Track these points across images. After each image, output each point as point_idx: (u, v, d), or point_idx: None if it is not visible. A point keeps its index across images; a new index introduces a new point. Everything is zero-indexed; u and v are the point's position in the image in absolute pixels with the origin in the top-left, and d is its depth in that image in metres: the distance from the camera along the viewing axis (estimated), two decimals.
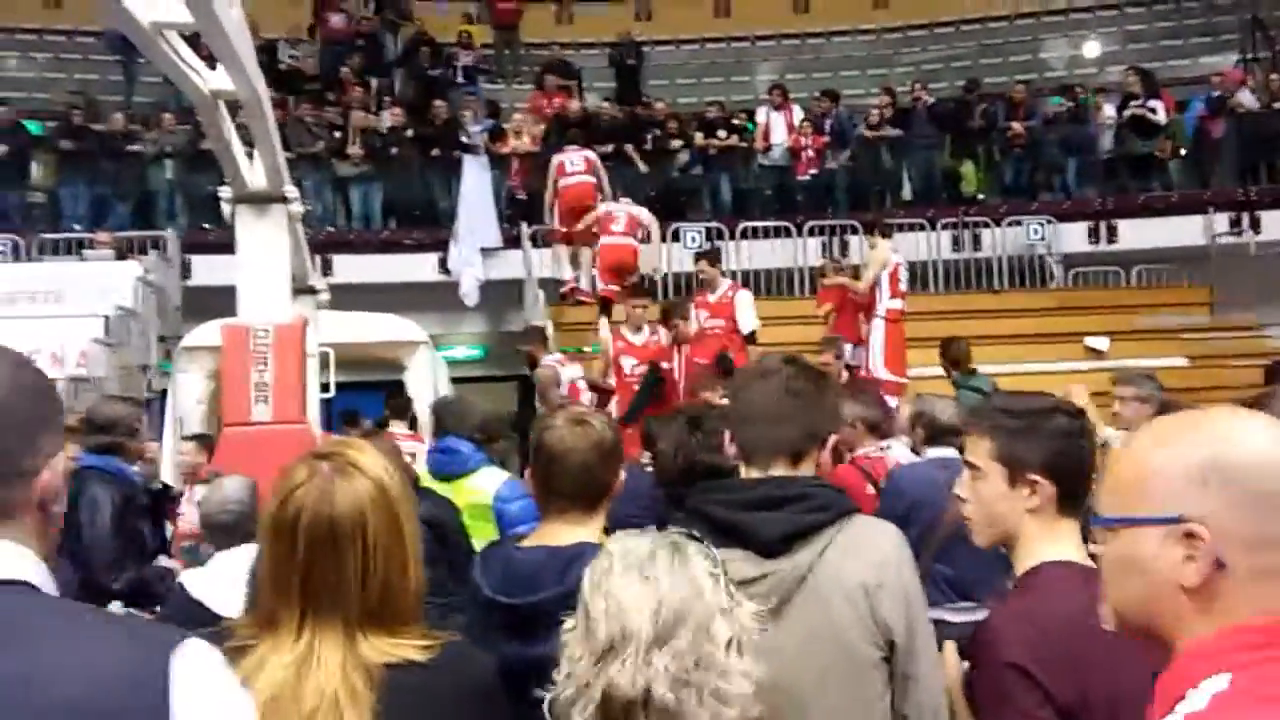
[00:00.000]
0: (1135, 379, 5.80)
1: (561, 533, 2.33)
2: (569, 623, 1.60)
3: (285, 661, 1.63)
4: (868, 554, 2.11)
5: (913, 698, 2.11)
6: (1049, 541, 2.05)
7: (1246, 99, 13.67)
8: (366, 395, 10.91)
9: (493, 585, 2.31)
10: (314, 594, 1.66)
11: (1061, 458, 2.08)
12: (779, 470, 2.21)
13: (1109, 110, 14.04)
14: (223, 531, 3.55)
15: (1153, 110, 13.58)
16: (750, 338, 8.81)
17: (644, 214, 10.95)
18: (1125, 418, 5.61)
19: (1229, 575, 1.18)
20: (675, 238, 12.85)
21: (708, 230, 13.22)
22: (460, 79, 15.76)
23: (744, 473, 2.28)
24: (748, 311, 8.95)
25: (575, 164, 12.31)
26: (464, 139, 13.42)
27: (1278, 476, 1.18)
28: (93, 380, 8.76)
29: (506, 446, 5.25)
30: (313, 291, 7.47)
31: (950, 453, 4.71)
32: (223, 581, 3.21)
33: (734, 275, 12.91)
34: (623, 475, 2.47)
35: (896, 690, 2.11)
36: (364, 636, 1.66)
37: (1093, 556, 1.35)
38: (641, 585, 1.53)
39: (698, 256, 9.66)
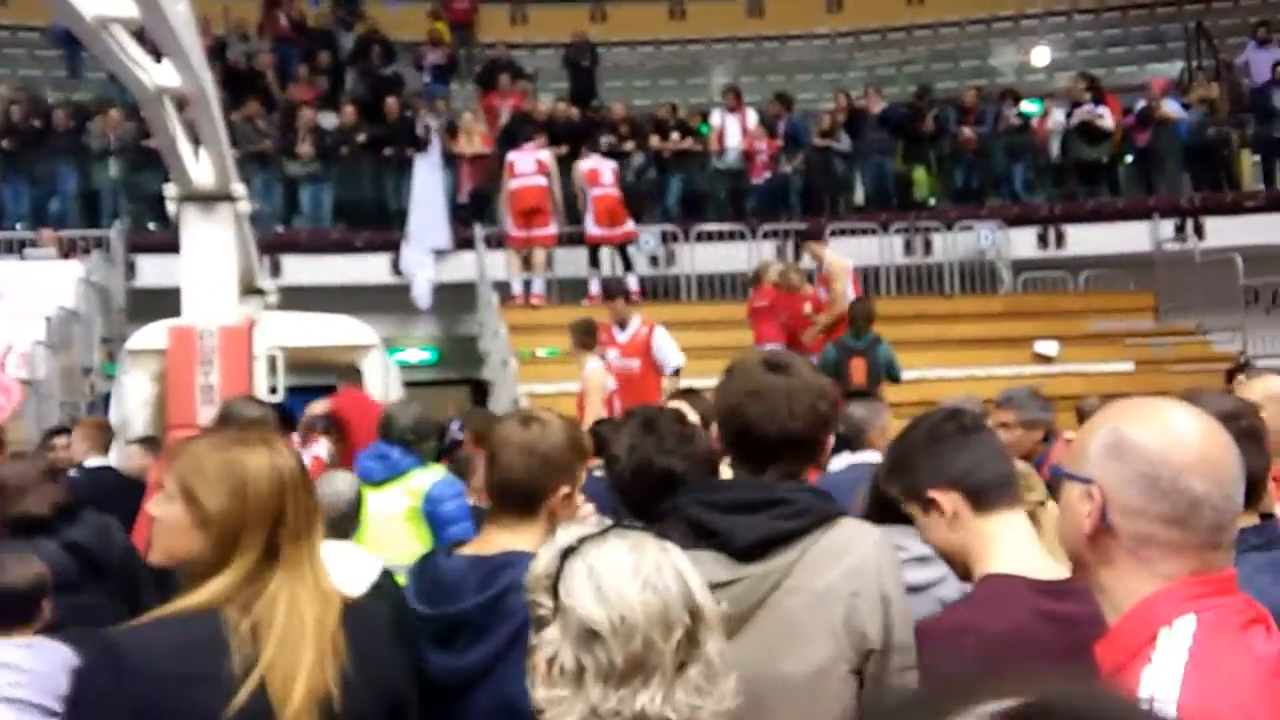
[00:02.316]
0: (1018, 400, 5.21)
1: (495, 540, 2.29)
2: (550, 632, 1.47)
3: (297, 593, 1.85)
4: (844, 560, 2.03)
5: None
6: (987, 550, 2.04)
7: (1171, 108, 13.86)
8: (317, 398, 10.79)
9: (417, 595, 2.30)
10: (294, 535, 1.89)
11: (938, 464, 2.07)
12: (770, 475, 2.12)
13: (1058, 115, 14.22)
14: (328, 526, 3.59)
15: (1100, 116, 13.77)
16: (676, 375, 8.40)
17: (615, 165, 12.71)
18: (1008, 444, 5.14)
19: (1115, 535, 1.41)
20: (626, 241, 12.86)
21: (662, 234, 13.24)
22: (428, 78, 15.67)
23: (724, 473, 2.22)
24: (670, 349, 8.58)
25: (526, 165, 12.27)
26: (435, 137, 13.32)
27: (1167, 463, 1.39)
28: (34, 383, 8.57)
29: (436, 447, 5.17)
30: (260, 293, 7.36)
31: (864, 457, 4.77)
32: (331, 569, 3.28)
33: (688, 279, 13.05)
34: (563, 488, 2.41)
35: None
36: (322, 570, 1.93)
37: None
38: (651, 595, 1.44)
39: (607, 295, 9.28)
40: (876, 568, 2.04)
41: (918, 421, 2.20)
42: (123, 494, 5.49)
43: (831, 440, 4.10)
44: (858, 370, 8.52)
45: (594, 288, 12.42)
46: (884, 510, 3.52)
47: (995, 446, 2.16)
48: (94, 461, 5.76)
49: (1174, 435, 1.41)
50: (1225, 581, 1.41)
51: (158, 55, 4.84)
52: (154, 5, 3.87)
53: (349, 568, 3.48)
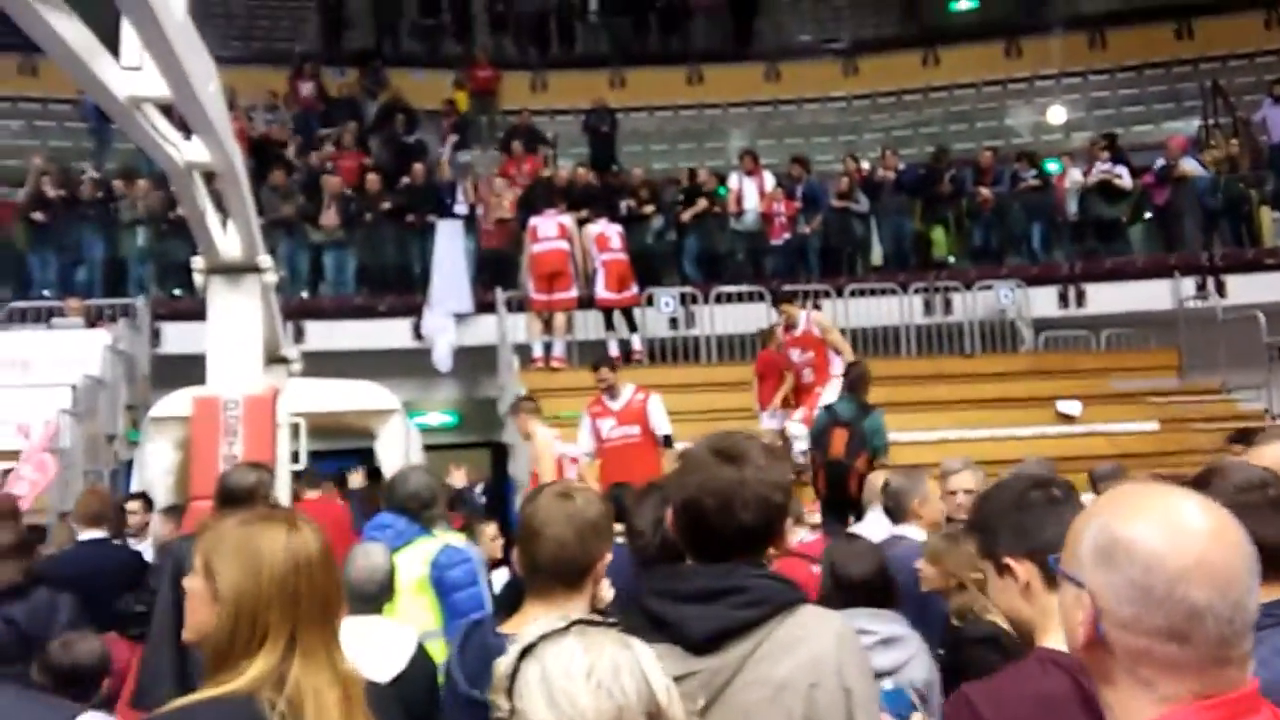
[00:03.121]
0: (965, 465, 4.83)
1: (541, 616, 2.27)
2: None
3: (318, 680, 1.84)
4: (804, 651, 1.94)
5: None
6: (1054, 626, 1.95)
7: (1191, 166, 13.87)
8: (338, 463, 10.81)
9: (468, 678, 2.26)
10: (310, 619, 1.88)
11: (1021, 532, 2.02)
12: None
13: (1076, 174, 14.26)
14: (364, 600, 3.62)
15: (1119, 175, 13.81)
16: (667, 442, 8.35)
17: (622, 229, 12.88)
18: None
19: (1110, 650, 1.26)
20: (649, 303, 12.95)
21: (681, 295, 13.31)
22: (444, 149, 15.92)
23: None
24: (661, 415, 8.49)
25: (548, 230, 12.41)
26: (461, 198, 13.57)
27: (1161, 570, 1.22)
28: (59, 451, 8.63)
29: (439, 513, 5.04)
30: (285, 361, 7.41)
31: (904, 530, 4.71)
32: (368, 647, 3.23)
33: (707, 340, 13.08)
34: (608, 555, 2.46)
35: None
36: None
37: None
38: (605, 699, 1.39)
39: (595, 365, 9.04)
40: (837, 659, 1.95)
41: (1007, 484, 2.17)
42: (117, 567, 5.52)
43: (789, 525, 3.88)
44: (838, 441, 8.15)
45: (612, 348, 12.53)
46: (844, 592, 3.46)
47: None
48: (89, 535, 5.77)
49: (1170, 535, 1.24)
50: (1240, 703, 1.23)
51: (187, 131, 4.94)
52: (186, 85, 3.96)
53: (385, 643, 3.46)
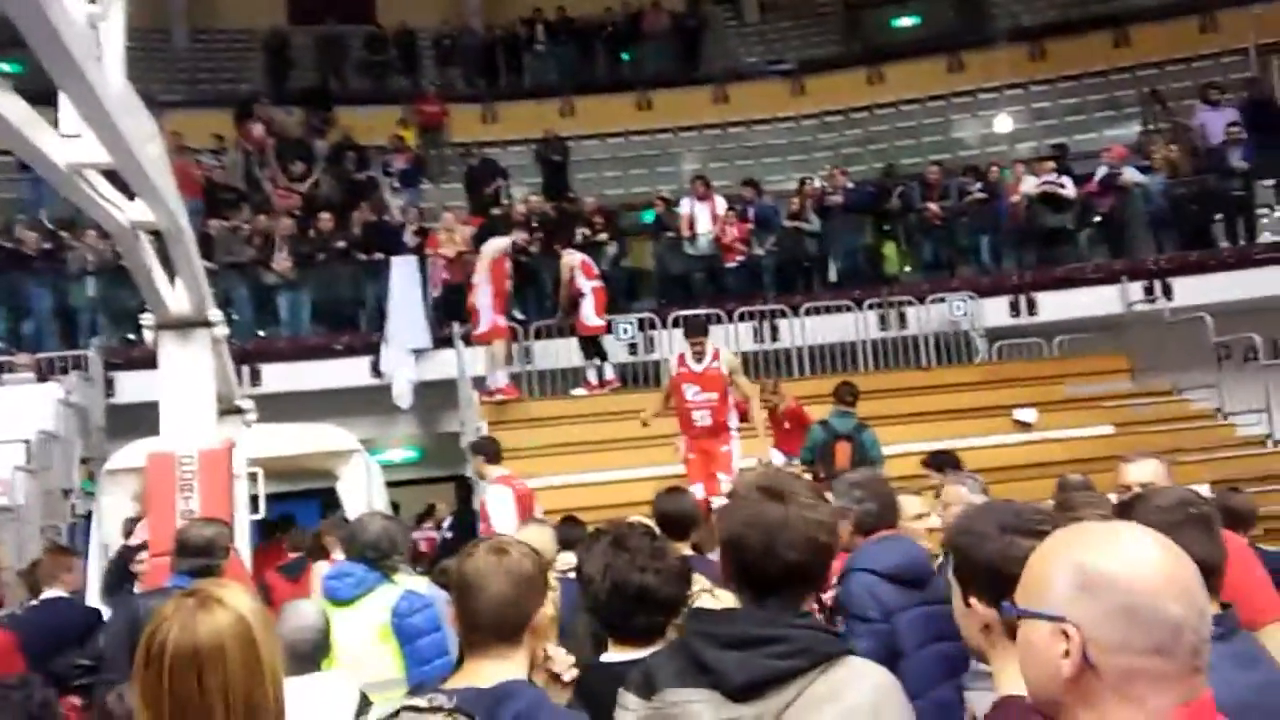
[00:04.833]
0: (840, 486, 4.06)
1: (486, 670, 2.30)
2: None
3: None
4: (841, 703, 1.94)
5: None
6: (1008, 668, 1.94)
7: (1132, 174, 14.13)
8: (300, 505, 10.78)
9: None
10: (181, 717, 1.76)
11: (991, 572, 2.00)
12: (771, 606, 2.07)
13: (1030, 182, 14.41)
14: (299, 659, 3.48)
15: (1062, 185, 14.04)
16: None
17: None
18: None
19: (1098, 673, 1.34)
20: (608, 329, 12.98)
21: (639, 320, 13.36)
22: (396, 184, 15.87)
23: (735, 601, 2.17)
24: (495, 517, 7.30)
25: (480, 265, 12.36)
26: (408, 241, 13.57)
27: (1142, 593, 1.34)
28: (15, 509, 8.54)
29: (401, 559, 4.98)
30: (239, 411, 7.37)
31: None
32: (310, 708, 3.17)
33: (666, 365, 13.10)
34: (550, 607, 2.49)
35: None
36: None
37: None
38: None
39: (474, 448, 8.11)
40: (874, 711, 1.96)
41: (994, 510, 2.18)
42: (70, 625, 5.50)
43: (835, 565, 3.80)
44: (842, 454, 8.59)
45: (592, 375, 12.63)
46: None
47: None
48: (51, 593, 5.76)
49: (1140, 561, 1.36)
50: (1205, 706, 1.35)
51: (130, 192, 4.93)
52: (126, 151, 3.96)
53: (328, 701, 3.43)
